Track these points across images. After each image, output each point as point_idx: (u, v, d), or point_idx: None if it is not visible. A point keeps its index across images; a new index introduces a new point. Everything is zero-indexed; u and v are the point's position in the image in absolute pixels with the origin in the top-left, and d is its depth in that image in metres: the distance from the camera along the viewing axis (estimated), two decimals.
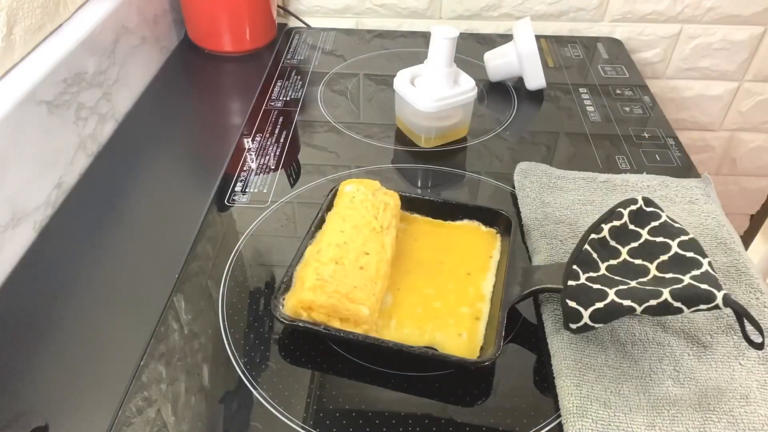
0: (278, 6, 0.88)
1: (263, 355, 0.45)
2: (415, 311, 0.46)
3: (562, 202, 0.56)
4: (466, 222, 0.54)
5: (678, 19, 0.89)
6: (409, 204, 0.54)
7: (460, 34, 0.61)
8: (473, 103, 0.65)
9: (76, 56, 0.59)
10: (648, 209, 0.46)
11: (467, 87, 0.63)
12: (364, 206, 0.50)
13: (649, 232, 0.45)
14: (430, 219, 0.54)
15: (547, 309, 0.46)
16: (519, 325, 0.47)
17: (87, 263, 0.52)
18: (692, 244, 0.43)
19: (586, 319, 0.41)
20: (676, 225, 0.45)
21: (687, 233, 0.44)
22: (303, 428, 0.40)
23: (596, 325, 0.41)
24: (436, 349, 0.43)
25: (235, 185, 0.60)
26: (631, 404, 0.40)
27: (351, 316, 0.43)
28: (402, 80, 0.64)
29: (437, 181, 0.62)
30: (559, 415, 0.40)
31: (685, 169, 0.63)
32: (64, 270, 0.52)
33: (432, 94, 0.62)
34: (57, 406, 0.42)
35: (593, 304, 0.41)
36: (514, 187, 0.59)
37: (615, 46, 0.87)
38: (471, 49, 0.82)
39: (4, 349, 0.45)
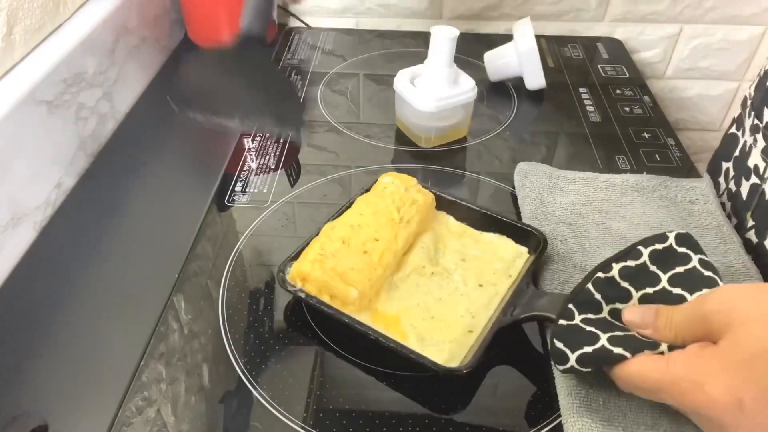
0: (278, 6, 0.88)
1: (263, 355, 0.45)
2: (414, 310, 0.46)
3: (562, 202, 0.56)
4: (497, 236, 0.52)
5: (678, 19, 0.89)
6: (447, 206, 0.54)
7: (460, 34, 0.61)
8: (473, 103, 0.65)
9: (76, 56, 0.59)
10: (679, 250, 0.40)
11: (467, 87, 0.63)
12: (392, 197, 0.51)
13: (670, 280, 0.39)
14: (463, 225, 0.53)
15: None
16: (519, 325, 0.47)
17: (87, 263, 0.52)
18: None
19: (572, 362, 0.37)
20: (707, 274, 0.39)
21: (715, 284, 0.38)
22: (303, 428, 0.40)
23: (584, 370, 0.38)
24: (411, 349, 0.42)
25: (235, 185, 0.60)
26: (631, 404, 0.40)
27: (339, 295, 0.44)
28: (402, 80, 0.64)
29: (437, 181, 0.62)
30: (559, 415, 0.40)
31: (685, 169, 0.63)
32: (64, 270, 0.52)
33: (432, 94, 0.62)
34: (57, 406, 0.42)
35: (581, 348, 0.37)
36: (514, 187, 0.59)
37: (615, 46, 0.87)
38: (471, 49, 0.82)
39: (4, 349, 0.45)
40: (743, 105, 0.58)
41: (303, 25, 0.91)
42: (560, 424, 0.40)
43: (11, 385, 0.43)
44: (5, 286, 0.50)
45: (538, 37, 0.72)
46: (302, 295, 0.45)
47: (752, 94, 0.56)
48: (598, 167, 0.63)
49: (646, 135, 0.68)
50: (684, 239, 0.40)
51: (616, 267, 0.40)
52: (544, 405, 0.42)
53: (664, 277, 0.40)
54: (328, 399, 0.42)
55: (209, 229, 0.55)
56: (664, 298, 0.39)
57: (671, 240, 0.40)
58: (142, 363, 0.44)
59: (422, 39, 0.87)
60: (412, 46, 0.85)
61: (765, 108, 0.52)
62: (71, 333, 0.47)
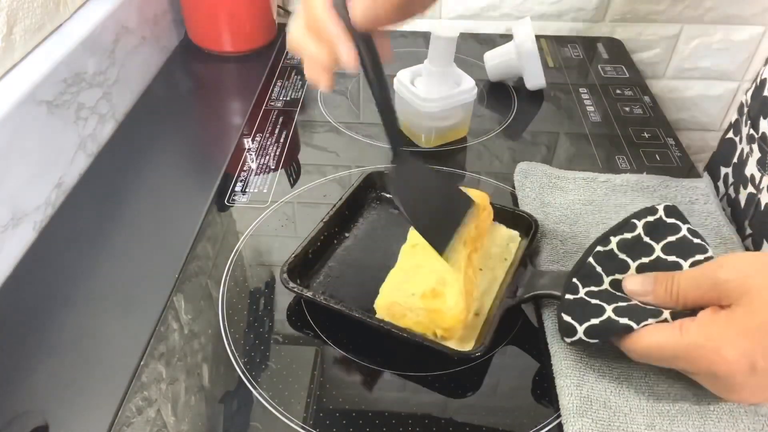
0: (278, 6, 0.88)
1: (263, 355, 0.45)
2: (418, 300, 0.45)
3: (562, 202, 0.56)
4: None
5: (678, 19, 0.89)
6: None
7: (460, 34, 0.60)
8: (473, 103, 0.65)
9: (76, 56, 0.59)
10: (669, 220, 0.43)
11: (467, 87, 0.63)
12: (484, 249, 0.49)
13: (663, 249, 0.42)
14: None
15: (547, 309, 0.46)
16: (519, 324, 0.47)
17: (87, 263, 0.52)
18: None
19: (580, 335, 0.40)
20: (696, 241, 0.42)
21: (705, 250, 0.41)
22: (303, 428, 0.40)
23: (592, 341, 0.40)
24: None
25: (235, 185, 0.60)
26: (631, 404, 0.40)
27: (418, 327, 0.43)
28: (402, 80, 0.64)
29: None
30: (559, 415, 0.40)
31: (685, 169, 0.63)
32: (64, 270, 0.52)
33: (432, 94, 0.62)
34: (57, 406, 0.42)
35: (588, 320, 0.40)
36: (514, 187, 0.59)
37: (615, 46, 0.87)
38: (471, 49, 0.82)
39: (4, 349, 0.45)
40: (740, 111, 0.58)
41: None
42: (560, 424, 0.40)
43: (11, 385, 0.43)
44: (5, 286, 0.50)
45: (538, 37, 0.72)
46: (309, 294, 0.45)
47: (749, 101, 0.56)
48: (598, 167, 0.63)
49: (646, 135, 0.68)
50: (672, 211, 0.43)
51: (614, 240, 0.43)
52: (544, 405, 0.42)
53: (658, 247, 0.43)
54: (328, 399, 0.42)
55: (209, 229, 0.55)
56: (659, 265, 0.42)
57: (661, 212, 0.43)
58: (142, 363, 0.44)
59: (422, 39, 0.87)
60: (412, 46, 0.85)
61: (761, 118, 0.52)
62: (71, 333, 0.47)
